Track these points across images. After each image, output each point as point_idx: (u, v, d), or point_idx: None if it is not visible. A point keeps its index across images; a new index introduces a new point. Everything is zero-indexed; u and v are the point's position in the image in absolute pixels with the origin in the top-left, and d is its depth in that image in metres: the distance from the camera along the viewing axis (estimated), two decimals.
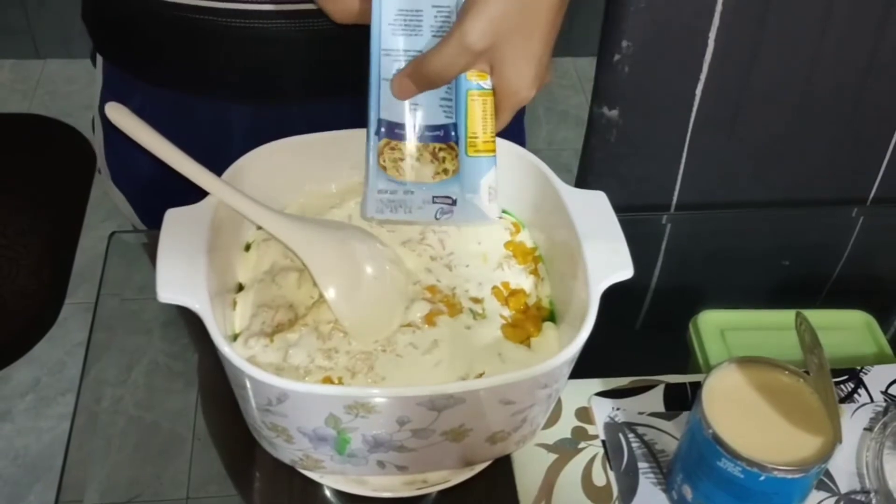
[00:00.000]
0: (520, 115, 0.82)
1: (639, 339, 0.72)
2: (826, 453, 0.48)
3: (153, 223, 0.80)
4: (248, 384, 0.47)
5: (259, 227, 0.58)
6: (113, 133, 0.54)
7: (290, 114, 0.68)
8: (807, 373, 0.52)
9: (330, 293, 0.53)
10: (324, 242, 0.56)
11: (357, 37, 0.53)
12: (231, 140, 0.69)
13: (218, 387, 0.56)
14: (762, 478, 0.48)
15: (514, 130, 0.58)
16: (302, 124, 0.59)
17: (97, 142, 0.78)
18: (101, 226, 1.70)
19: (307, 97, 0.68)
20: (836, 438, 0.48)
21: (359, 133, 0.60)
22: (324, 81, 0.64)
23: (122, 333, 0.67)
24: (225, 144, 0.56)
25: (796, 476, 0.48)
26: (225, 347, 0.47)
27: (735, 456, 0.48)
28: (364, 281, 0.55)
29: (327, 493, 0.56)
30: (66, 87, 2.00)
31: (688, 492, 0.52)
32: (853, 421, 0.59)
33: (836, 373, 0.62)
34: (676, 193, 0.88)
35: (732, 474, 0.48)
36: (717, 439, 0.48)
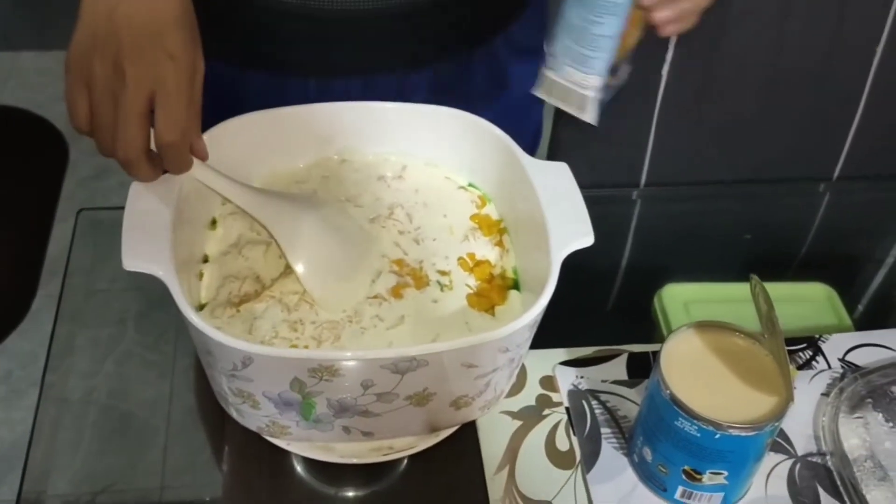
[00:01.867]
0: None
1: (606, 313, 0.73)
2: (779, 412, 0.49)
3: None
4: (214, 350, 0.48)
5: (225, 202, 0.58)
6: None
7: (349, 88, 0.70)
8: (764, 336, 0.54)
9: (299, 267, 0.54)
10: (291, 216, 0.56)
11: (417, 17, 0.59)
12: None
13: (191, 371, 0.56)
14: (717, 436, 0.49)
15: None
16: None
17: None
18: (73, 217, 1.69)
19: (365, 72, 0.70)
20: (788, 398, 0.49)
21: (327, 107, 0.61)
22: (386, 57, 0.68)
23: (92, 322, 0.67)
24: None
25: (750, 434, 0.49)
26: (190, 314, 0.47)
27: (691, 415, 0.49)
28: (332, 253, 0.56)
29: (294, 461, 0.57)
30: (37, 79, 1.98)
31: (648, 453, 0.53)
32: (811, 386, 0.61)
33: (795, 341, 0.63)
34: (644, 174, 0.89)
35: (689, 433, 0.49)
36: (674, 400, 0.49)
